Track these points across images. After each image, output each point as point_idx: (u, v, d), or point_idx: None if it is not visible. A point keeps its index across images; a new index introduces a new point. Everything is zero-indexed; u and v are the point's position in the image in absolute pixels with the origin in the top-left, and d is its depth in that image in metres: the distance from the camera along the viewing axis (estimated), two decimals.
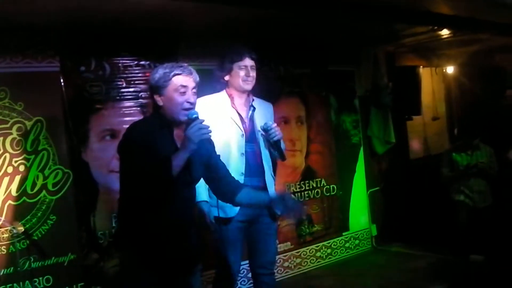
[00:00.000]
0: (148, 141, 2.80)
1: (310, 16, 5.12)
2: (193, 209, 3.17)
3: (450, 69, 8.56)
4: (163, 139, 2.91)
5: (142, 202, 2.83)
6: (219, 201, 3.49)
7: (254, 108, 3.94)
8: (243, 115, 3.89)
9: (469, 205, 6.17)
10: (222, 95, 3.91)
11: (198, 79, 2.99)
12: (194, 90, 2.95)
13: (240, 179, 3.67)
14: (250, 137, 3.86)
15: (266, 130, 3.76)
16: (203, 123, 2.81)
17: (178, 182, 2.78)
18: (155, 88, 2.93)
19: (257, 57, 3.89)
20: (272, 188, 3.93)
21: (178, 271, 3.00)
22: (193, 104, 2.91)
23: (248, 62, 3.82)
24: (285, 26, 5.44)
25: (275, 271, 4.41)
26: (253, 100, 3.96)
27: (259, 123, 3.87)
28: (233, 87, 3.86)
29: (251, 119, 3.92)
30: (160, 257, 2.88)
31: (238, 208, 3.67)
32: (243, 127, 3.85)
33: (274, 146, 3.80)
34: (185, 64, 3.01)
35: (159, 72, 2.92)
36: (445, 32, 6.59)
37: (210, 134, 2.83)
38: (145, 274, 2.88)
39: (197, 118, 2.84)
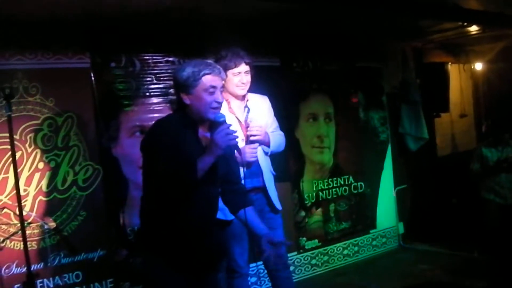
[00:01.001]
0: (172, 140, 2.78)
1: (338, 11, 5.07)
2: (217, 207, 3.11)
3: (478, 66, 8.46)
4: (188, 138, 2.88)
5: (166, 201, 2.82)
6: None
7: (249, 109, 3.90)
8: (241, 118, 3.85)
9: (500, 203, 6.10)
10: None
11: (225, 77, 3.01)
12: (222, 89, 2.95)
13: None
14: (248, 142, 3.79)
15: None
16: (230, 127, 2.78)
17: (204, 180, 2.77)
18: (183, 87, 2.87)
19: (252, 61, 3.83)
20: (272, 185, 3.96)
21: (202, 269, 2.99)
22: (220, 103, 2.89)
23: (243, 68, 3.75)
24: (313, 22, 5.40)
25: (291, 267, 4.38)
26: (247, 100, 3.92)
27: (255, 123, 3.83)
28: (229, 91, 3.79)
29: (246, 121, 3.87)
30: (184, 255, 2.87)
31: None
32: (242, 131, 3.80)
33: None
34: (213, 63, 2.97)
35: (187, 70, 2.86)
36: (473, 28, 6.53)
37: (237, 139, 2.81)
38: (169, 272, 2.86)
39: (224, 121, 2.82)
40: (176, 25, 4.91)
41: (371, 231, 6.78)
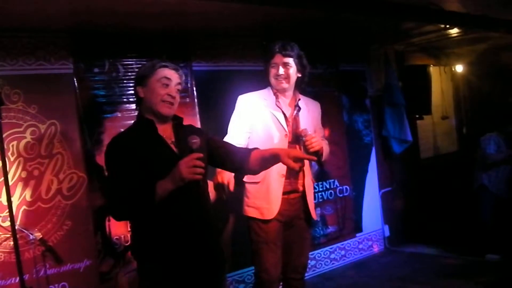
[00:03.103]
0: (128, 158, 2.69)
1: (321, 13, 5.04)
2: (206, 208, 2.96)
3: (459, 68, 8.52)
4: (147, 144, 2.78)
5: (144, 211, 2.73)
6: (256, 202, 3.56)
7: (300, 108, 3.84)
8: (288, 114, 3.79)
9: (493, 193, 6.29)
10: (268, 93, 3.85)
11: (183, 79, 2.97)
12: (178, 88, 2.88)
13: (281, 180, 3.69)
14: (294, 138, 3.75)
15: (302, 137, 3.62)
16: (199, 158, 2.64)
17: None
18: (139, 79, 2.88)
19: (297, 55, 3.78)
20: (311, 192, 3.89)
21: (199, 276, 2.85)
22: (173, 98, 2.83)
23: (279, 59, 3.72)
24: (297, 26, 5.37)
25: None
26: (299, 99, 3.86)
27: (304, 123, 3.77)
28: (270, 84, 3.81)
29: (296, 119, 3.82)
30: (177, 263, 2.78)
31: (276, 210, 3.66)
32: (286, 127, 3.75)
33: (311, 154, 3.54)
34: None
35: (146, 64, 2.92)
36: (454, 31, 6.56)
37: (202, 175, 2.67)
38: (165, 282, 2.78)
39: (195, 150, 2.69)
40: (160, 30, 4.84)
41: (357, 235, 6.76)
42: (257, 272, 3.81)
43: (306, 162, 3.72)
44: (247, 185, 3.80)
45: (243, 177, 3.80)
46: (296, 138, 3.72)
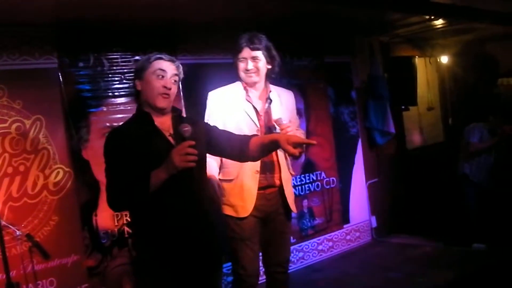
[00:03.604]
0: (125, 150, 2.73)
1: (306, 5, 5.03)
2: (200, 200, 2.95)
3: (444, 59, 8.55)
4: (144, 136, 2.80)
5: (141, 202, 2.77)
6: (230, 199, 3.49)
7: (271, 101, 3.73)
8: (259, 108, 3.69)
9: (474, 183, 6.38)
10: (237, 87, 3.74)
11: (181, 70, 2.96)
12: (175, 79, 2.89)
13: (255, 176, 3.59)
14: (267, 131, 3.63)
15: (274, 129, 3.58)
16: (191, 146, 2.66)
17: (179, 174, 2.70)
18: (137, 72, 2.92)
19: (265, 47, 3.65)
20: (289, 186, 3.79)
21: (194, 267, 2.87)
22: (169, 89, 2.84)
23: (247, 53, 3.60)
24: (281, 17, 5.37)
25: None
26: (270, 91, 3.76)
27: (277, 115, 3.63)
28: (241, 79, 3.70)
29: (268, 112, 3.71)
30: (171, 254, 2.79)
31: (250, 207, 3.58)
32: (258, 122, 3.64)
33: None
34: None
35: (143, 58, 2.96)
36: (439, 22, 6.59)
37: (195, 162, 2.68)
38: (163, 272, 2.81)
39: (187, 138, 2.71)
40: (145, 23, 4.82)
41: (344, 226, 6.79)
42: (234, 268, 3.75)
43: (281, 155, 3.67)
44: (222, 183, 3.69)
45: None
46: (270, 131, 3.62)
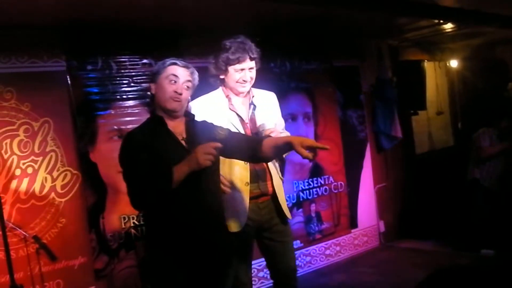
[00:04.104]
0: (142, 151, 2.79)
1: (314, 9, 5.03)
2: (213, 199, 2.99)
3: (453, 63, 8.52)
4: (157, 139, 2.86)
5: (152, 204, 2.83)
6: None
7: (255, 106, 3.56)
8: (244, 116, 3.52)
9: (484, 187, 6.33)
10: (218, 95, 3.55)
11: (195, 76, 3.00)
12: (187, 85, 2.93)
13: (245, 189, 3.42)
14: None
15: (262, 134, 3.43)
16: (215, 147, 2.71)
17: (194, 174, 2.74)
18: (152, 76, 2.99)
19: (259, 55, 3.46)
20: (282, 192, 3.60)
21: (209, 264, 2.92)
22: (180, 95, 2.88)
23: (247, 64, 3.41)
24: (290, 21, 5.37)
25: None
26: (253, 96, 3.58)
27: (261, 120, 3.51)
28: (229, 87, 3.51)
29: (253, 119, 3.55)
30: (187, 252, 2.84)
31: (243, 221, 3.42)
32: (244, 130, 3.47)
33: None
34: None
35: (159, 62, 3.01)
36: (448, 26, 6.58)
37: (213, 160, 2.73)
38: (175, 271, 2.84)
39: (218, 140, 2.78)
40: (153, 26, 4.84)
41: (352, 230, 6.77)
42: None
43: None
44: None
45: None
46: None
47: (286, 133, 3.57)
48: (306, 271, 6.16)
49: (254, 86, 3.65)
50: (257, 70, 3.52)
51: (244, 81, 3.43)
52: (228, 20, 4.93)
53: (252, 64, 3.44)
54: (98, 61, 4.72)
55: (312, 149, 2.80)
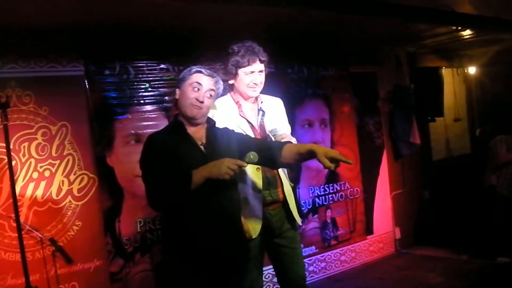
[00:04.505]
0: (162, 153, 2.84)
1: (332, 15, 5.02)
2: (233, 204, 3.04)
3: (471, 70, 8.47)
4: (177, 144, 2.91)
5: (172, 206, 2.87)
6: None
7: (264, 112, 3.54)
8: (254, 122, 3.50)
9: (501, 194, 6.29)
10: (227, 101, 3.52)
11: (219, 86, 3.05)
12: (210, 93, 2.98)
13: (258, 196, 3.39)
14: None
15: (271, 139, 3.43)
16: (239, 165, 2.76)
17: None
18: (178, 81, 3.05)
19: (267, 58, 3.45)
20: (292, 198, 3.55)
21: (225, 270, 2.95)
22: (201, 103, 2.93)
23: (257, 67, 3.38)
24: (307, 27, 5.38)
25: None
26: (261, 102, 3.56)
27: (270, 126, 3.50)
28: (239, 92, 3.49)
29: (262, 125, 3.53)
30: (204, 257, 2.86)
31: (257, 230, 3.38)
32: (256, 136, 3.44)
33: None
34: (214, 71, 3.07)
35: (186, 69, 3.06)
36: (466, 33, 6.52)
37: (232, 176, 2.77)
38: (192, 273, 2.87)
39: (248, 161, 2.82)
40: (171, 32, 4.87)
41: (368, 237, 6.74)
42: None
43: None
44: None
45: None
46: None
47: (294, 139, 3.53)
48: (321, 277, 6.14)
49: (270, 92, 3.68)
50: (274, 76, 3.50)
51: (255, 84, 3.40)
52: (245, 26, 4.93)
53: (262, 67, 3.43)
54: (116, 66, 4.75)
55: (335, 161, 2.78)
